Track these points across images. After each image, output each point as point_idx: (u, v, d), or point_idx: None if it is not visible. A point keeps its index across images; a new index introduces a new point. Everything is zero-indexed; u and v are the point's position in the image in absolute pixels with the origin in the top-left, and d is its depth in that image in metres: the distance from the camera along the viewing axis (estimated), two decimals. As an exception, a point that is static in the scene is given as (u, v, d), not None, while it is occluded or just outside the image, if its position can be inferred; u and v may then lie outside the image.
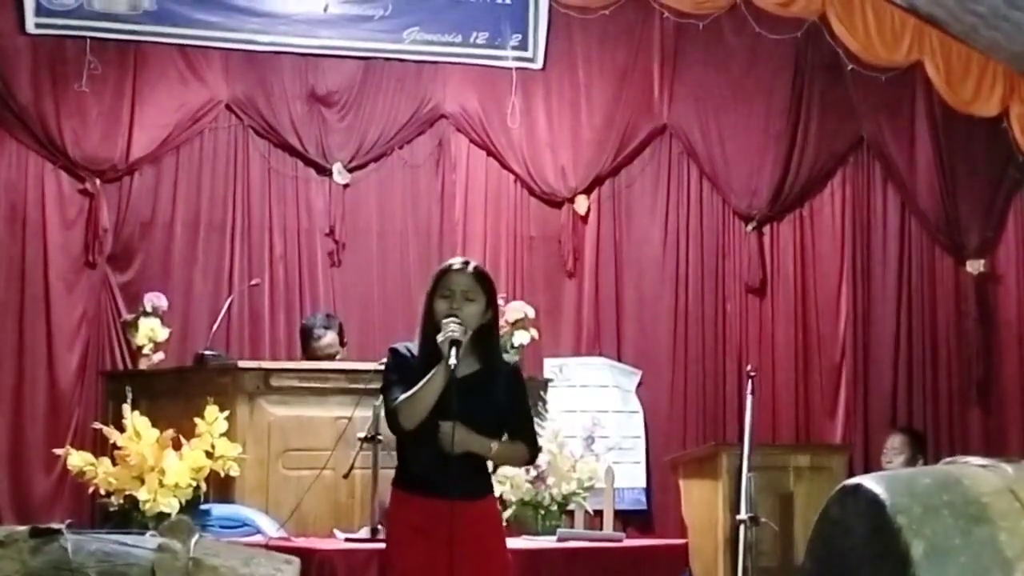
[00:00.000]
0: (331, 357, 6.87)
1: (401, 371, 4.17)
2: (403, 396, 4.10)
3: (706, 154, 8.41)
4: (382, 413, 5.27)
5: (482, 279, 4.24)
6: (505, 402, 4.25)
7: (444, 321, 4.09)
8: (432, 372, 4.05)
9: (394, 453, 5.89)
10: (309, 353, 6.96)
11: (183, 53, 7.86)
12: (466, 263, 4.27)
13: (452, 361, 4.00)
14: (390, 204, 8.15)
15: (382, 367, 4.35)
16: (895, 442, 7.59)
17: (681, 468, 7.41)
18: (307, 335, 7.04)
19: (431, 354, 4.10)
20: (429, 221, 8.19)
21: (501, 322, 5.89)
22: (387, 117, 8.11)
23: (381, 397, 4.33)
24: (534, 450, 4.37)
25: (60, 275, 7.63)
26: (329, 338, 6.96)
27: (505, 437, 4.26)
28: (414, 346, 4.23)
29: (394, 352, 4.26)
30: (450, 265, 4.26)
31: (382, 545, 5.11)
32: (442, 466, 4.06)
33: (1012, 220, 8.47)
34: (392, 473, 5.77)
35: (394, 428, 4.21)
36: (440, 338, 4.06)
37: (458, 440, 4.05)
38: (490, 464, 4.38)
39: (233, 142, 7.96)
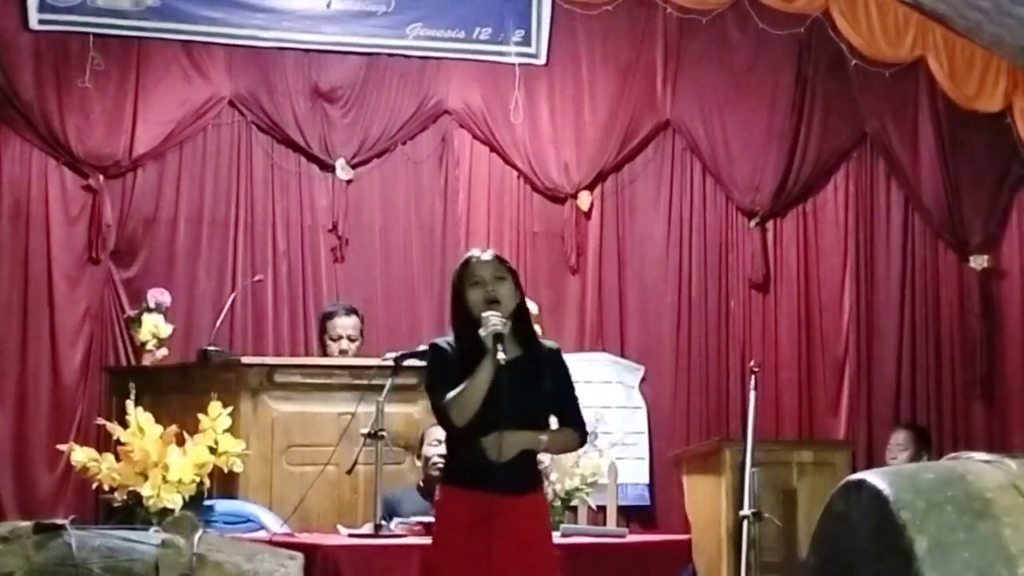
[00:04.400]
0: (351, 340, 6.91)
1: (445, 367, 4.14)
2: (451, 394, 4.05)
3: (709, 150, 8.40)
4: (385, 409, 5.30)
5: (504, 261, 4.27)
6: (552, 387, 4.24)
7: (484, 316, 4.07)
8: (479, 368, 4.01)
9: (396, 449, 5.96)
10: (328, 334, 6.98)
11: (186, 49, 7.85)
12: (484, 251, 4.30)
13: (501, 356, 3.97)
14: (393, 200, 8.14)
15: (423, 364, 4.29)
16: (899, 438, 7.59)
17: (684, 464, 7.42)
18: (327, 317, 7.06)
19: (470, 347, 4.08)
20: (432, 217, 8.18)
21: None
22: (390, 113, 8.10)
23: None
24: (584, 434, 4.36)
25: (63, 271, 7.63)
26: (353, 320, 6.99)
27: (554, 422, 4.23)
28: (453, 340, 4.21)
29: (435, 348, 4.23)
30: (471, 256, 4.27)
31: (386, 541, 5.14)
32: (491, 461, 4.05)
33: (1016, 215, 8.44)
34: (395, 469, 5.82)
35: (445, 426, 4.19)
36: (483, 332, 4.03)
37: (505, 448, 4.03)
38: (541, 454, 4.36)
39: (236, 138, 7.95)
